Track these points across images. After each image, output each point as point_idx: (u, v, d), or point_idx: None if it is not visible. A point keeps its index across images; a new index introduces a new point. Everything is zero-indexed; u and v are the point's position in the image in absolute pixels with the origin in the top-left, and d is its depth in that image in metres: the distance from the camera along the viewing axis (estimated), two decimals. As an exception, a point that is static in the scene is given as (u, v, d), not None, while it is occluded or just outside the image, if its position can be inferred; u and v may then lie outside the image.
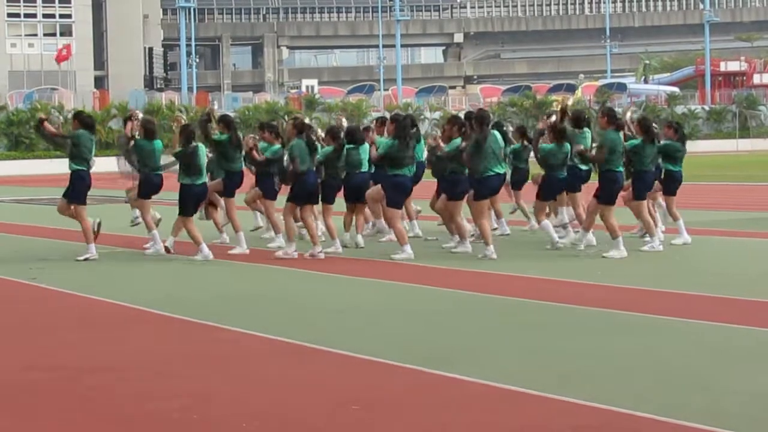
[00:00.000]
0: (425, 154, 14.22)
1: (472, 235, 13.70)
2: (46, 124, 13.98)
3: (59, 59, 71.30)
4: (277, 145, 13.33)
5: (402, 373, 6.63)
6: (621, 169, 12.73)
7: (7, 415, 5.79)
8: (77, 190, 13.03)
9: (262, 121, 13.06)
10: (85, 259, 12.86)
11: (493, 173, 12.60)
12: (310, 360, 7.12)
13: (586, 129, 13.70)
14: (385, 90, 77.35)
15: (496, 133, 12.84)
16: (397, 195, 12.88)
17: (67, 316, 9.25)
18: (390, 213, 12.79)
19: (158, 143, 13.71)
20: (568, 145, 13.37)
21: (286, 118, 53.80)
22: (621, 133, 12.85)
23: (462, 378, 6.39)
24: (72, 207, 13.11)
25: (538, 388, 6.07)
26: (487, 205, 13.23)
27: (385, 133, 14.29)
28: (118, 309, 9.42)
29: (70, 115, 55.22)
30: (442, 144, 12.96)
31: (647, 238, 13.35)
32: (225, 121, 14.09)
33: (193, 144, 12.95)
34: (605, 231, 12.84)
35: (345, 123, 15.42)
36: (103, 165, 20.31)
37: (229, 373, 6.72)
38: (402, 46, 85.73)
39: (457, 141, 12.84)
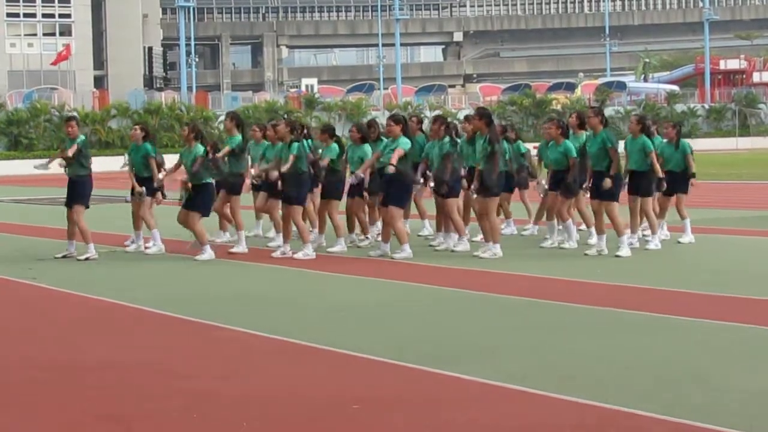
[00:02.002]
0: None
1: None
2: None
3: (56, 61, 71.31)
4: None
5: (402, 372, 6.63)
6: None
7: (7, 414, 5.78)
8: None
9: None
10: (86, 259, 12.87)
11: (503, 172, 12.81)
12: (310, 360, 7.12)
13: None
14: (384, 89, 77.34)
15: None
16: (405, 194, 12.91)
17: (67, 316, 9.25)
18: (395, 212, 12.73)
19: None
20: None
21: (285, 117, 53.90)
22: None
23: (462, 377, 6.38)
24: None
25: (539, 387, 6.07)
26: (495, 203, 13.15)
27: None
28: (118, 309, 9.42)
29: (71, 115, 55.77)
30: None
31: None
32: (237, 120, 14.12)
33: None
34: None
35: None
36: (105, 165, 20.35)
37: (228, 372, 6.72)
38: (401, 45, 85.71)
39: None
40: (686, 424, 5.29)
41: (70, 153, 12.99)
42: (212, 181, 13.13)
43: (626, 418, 5.44)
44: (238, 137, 13.83)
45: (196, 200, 12.90)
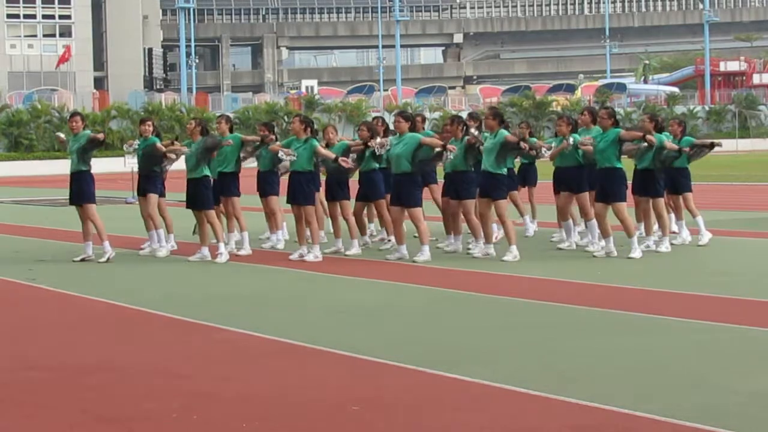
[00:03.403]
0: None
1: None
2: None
3: (59, 63, 71.37)
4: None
5: (402, 373, 6.63)
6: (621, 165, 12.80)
7: (7, 415, 5.79)
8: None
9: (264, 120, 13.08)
10: (107, 260, 12.78)
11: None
12: (310, 360, 7.13)
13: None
14: (384, 90, 77.40)
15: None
16: (418, 192, 12.76)
17: (66, 317, 9.25)
18: (415, 213, 12.66)
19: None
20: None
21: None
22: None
23: (462, 378, 6.39)
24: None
25: (538, 388, 6.07)
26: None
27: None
28: (117, 309, 9.43)
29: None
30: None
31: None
32: (231, 123, 14.09)
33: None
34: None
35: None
36: (106, 166, 20.37)
37: (228, 373, 6.72)
38: (401, 46, 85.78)
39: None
40: (685, 425, 5.29)
41: (101, 136, 13.08)
42: (209, 174, 13.04)
43: (626, 420, 5.44)
44: (237, 135, 13.80)
45: (196, 198, 12.85)
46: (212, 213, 12.85)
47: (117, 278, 11.68)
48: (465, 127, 13.03)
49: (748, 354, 7.16)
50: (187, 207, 13.02)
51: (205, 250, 12.83)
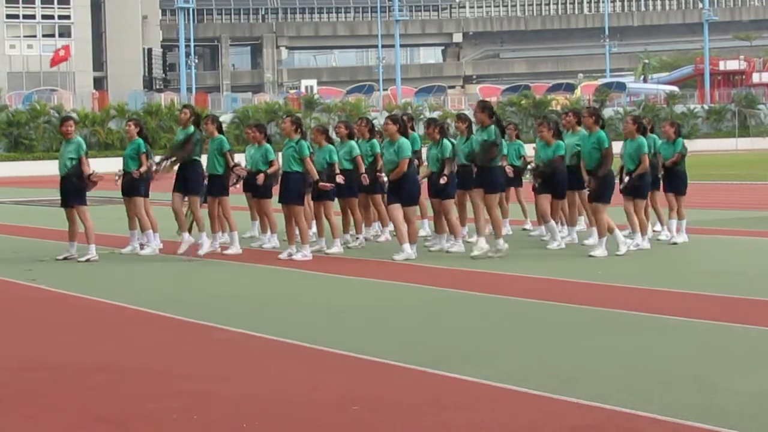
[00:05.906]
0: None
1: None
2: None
3: (54, 61, 71.30)
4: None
5: (402, 373, 6.63)
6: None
7: (6, 415, 5.78)
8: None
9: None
10: (87, 260, 12.86)
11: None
12: (310, 360, 7.12)
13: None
14: (384, 90, 77.38)
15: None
16: (415, 192, 12.89)
17: (66, 317, 9.25)
18: (411, 212, 12.74)
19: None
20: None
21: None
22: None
23: (462, 378, 6.39)
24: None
25: (538, 387, 6.07)
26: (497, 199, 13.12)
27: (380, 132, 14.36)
28: (118, 309, 9.42)
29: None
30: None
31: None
32: (218, 123, 14.06)
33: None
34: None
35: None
36: (105, 166, 20.35)
37: (228, 373, 6.72)
38: (401, 46, 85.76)
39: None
40: (685, 425, 5.29)
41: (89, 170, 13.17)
42: (200, 159, 13.23)
43: (626, 419, 5.44)
44: (221, 137, 13.74)
45: (188, 182, 13.01)
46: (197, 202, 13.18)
47: (117, 278, 11.68)
48: (441, 129, 13.16)
49: (748, 354, 7.16)
50: (175, 190, 13.26)
51: (188, 238, 13.13)
